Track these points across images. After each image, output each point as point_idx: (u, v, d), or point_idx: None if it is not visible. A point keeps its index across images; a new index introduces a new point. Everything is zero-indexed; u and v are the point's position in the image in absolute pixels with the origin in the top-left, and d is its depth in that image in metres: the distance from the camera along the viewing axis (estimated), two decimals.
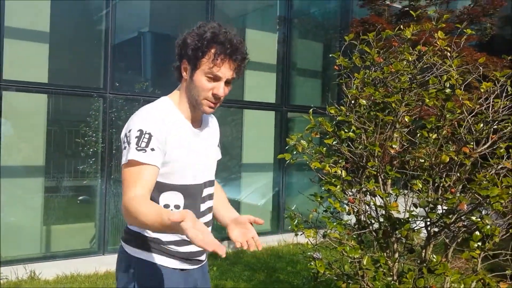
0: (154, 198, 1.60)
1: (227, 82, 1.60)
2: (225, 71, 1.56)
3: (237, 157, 6.61)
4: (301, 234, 3.12)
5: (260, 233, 6.24)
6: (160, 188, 1.60)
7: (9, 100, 4.60)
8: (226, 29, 1.58)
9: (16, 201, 4.82)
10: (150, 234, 1.64)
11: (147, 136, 1.49)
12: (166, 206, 1.64)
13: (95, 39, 5.37)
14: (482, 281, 2.90)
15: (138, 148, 1.48)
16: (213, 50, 1.53)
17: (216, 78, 1.57)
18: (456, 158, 2.72)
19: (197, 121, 1.72)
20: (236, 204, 6.55)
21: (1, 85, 4.52)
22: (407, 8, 8.89)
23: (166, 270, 1.66)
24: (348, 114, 2.84)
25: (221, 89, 1.58)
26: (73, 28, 5.46)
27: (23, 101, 4.81)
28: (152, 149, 1.49)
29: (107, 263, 4.91)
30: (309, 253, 3.26)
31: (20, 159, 4.92)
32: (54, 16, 5.04)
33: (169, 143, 1.57)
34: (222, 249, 1.22)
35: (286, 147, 3.15)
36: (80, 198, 5.57)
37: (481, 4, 9.32)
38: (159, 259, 1.65)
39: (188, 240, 1.44)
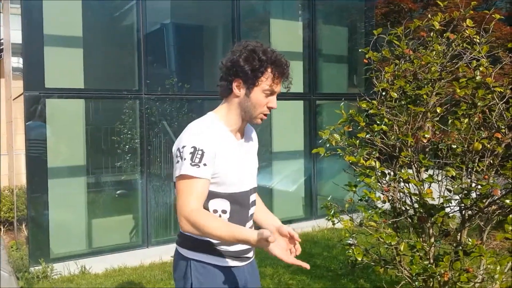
0: (204, 204, 1.75)
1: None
2: (279, 87, 1.79)
3: (267, 145, 6.75)
4: (338, 222, 3.25)
5: (294, 220, 6.43)
6: (209, 196, 1.77)
7: (51, 106, 4.84)
8: (269, 47, 1.77)
9: (63, 200, 5.09)
10: (200, 237, 1.76)
11: (200, 152, 1.67)
12: (214, 211, 1.81)
13: (127, 40, 5.55)
14: None
15: (193, 164, 1.65)
16: (269, 70, 1.73)
17: (271, 94, 1.77)
18: (488, 145, 2.78)
19: (241, 133, 1.89)
20: (268, 191, 6.70)
21: (45, 93, 4.75)
22: None
23: (219, 268, 1.82)
24: (379, 107, 2.92)
25: (275, 102, 1.80)
26: (105, 30, 5.66)
27: (64, 106, 5.06)
28: (205, 164, 1.67)
29: (151, 255, 5.18)
30: (346, 241, 3.39)
31: (64, 160, 5.18)
32: (86, 19, 5.22)
33: (218, 156, 1.73)
34: (306, 265, 1.52)
35: (319, 141, 3.27)
36: (118, 192, 5.84)
37: None
38: (212, 259, 1.81)
39: None
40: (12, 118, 6.15)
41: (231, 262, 1.85)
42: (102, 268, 4.87)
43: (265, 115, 1.80)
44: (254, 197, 1.94)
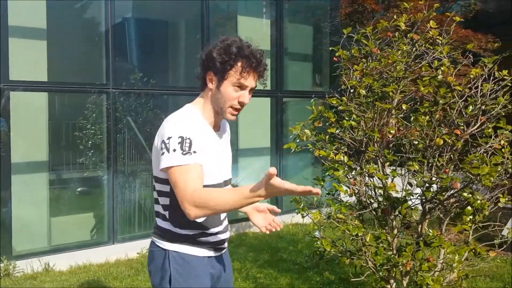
0: None
1: (250, 90, 1.80)
2: (250, 81, 1.76)
3: (234, 142, 6.79)
4: (306, 216, 3.35)
5: None
6: None
7: (15, 99, 4.70)
8: (248, 43, 1.77)
9: (25, 196, 4.95)
10: (178, 231, 1.81)
11: (188, 141, 1.66)
12: None
13: (93, 33, 5.45)
14: (473, 250, 3.17)
15: (184, 153, 1.64)
16: (239, 64, 1.72)
17: (242, 88, 1.76)
18: (449, 140, 2.95)
19: (217, 126, 1.91)
20: (234, 187, 6.75)
21: (9, 86, 4.61)
22: None
23: (197, 258, 1.84)
24: (348, 103, 3.03)
25: (247, 97, 1.78)
26: (70, 23, 5.53)
27: (28, 100, 4.92)
28: (195, 152, 1.67)
29: (117, 252, 5.11)
30: (314, 234, 3.50)
31: (26, 155, 5.03)
32: (50, 12, 5.09)
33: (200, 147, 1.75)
34: (317, 190, 1.43)
35: (290, 137, 3.35)
36: (79, 189, 5.73)
37: None
38: (191, 250, 1.83)
39: (214, 232, 1.83)
40: None
41: (209, 253, 1.89)
42: (67, 265, 4.77)
43: (235, 109, 1.80)
44: (229, 187, 1.98)
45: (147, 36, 6.34)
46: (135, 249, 5.18)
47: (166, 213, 1.83)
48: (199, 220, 1.79)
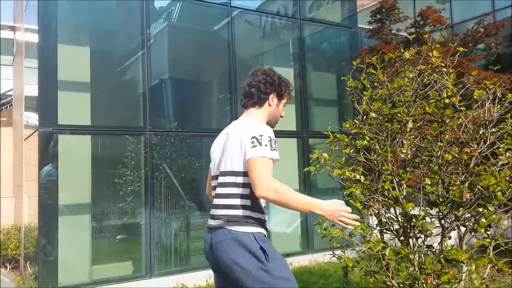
0: None
1: None
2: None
3: None
4: (328, 238, 3.54)
5: (291, 254, 6.65)
6: None
7: (63, 142, 5.23)
8: None
9: (70, 234, 5.34)
10: (256, 215, 2.23)
11: (274, 141, 2.16)
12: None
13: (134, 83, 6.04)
14: (496, 267, 3.27)
15: (272, 149, 2.13)
16: (289, 89, 2.48)
17: (283, 105, 2.48)
18: (457, 155, 3.16)
19: None
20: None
21: (57, 129, 5.16)
22: (413, 35, 9.49)
23: (265, 237, 2.25)
24: (361, 126, 3.32)
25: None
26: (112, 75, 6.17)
27: (74, 142, 5.45)
28: (276, 150, 2.16)
29: (153, 285, 5.36)
30: (338, 253, 3.67)
31: (72, 197, 5.48)
32: (93, 65, 5.73)
33: None
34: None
35: (310, 161, 3.64)
36: (119, 237, 6.08)
37: (483, 26, 9.86)
38: (262, 231, 2.24)
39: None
40: (22, 160, 6.49)
41: (265, 232, 2.29)
42: None
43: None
44: None
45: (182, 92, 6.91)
46: (169, 283, 5.43)
47: (248, 201, 2.20)
48: (263, 203, 2.27)
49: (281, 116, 2.47)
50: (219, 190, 2.26)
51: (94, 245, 5.57)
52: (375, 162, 3.42)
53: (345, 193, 3.48)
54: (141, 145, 5.81)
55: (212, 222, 2.27)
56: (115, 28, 6.18)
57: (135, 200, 5.87)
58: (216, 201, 2.29)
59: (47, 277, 4.90)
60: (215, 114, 7.22)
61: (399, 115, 3.24)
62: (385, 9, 10.07)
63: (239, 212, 2.19)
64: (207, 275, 5.83)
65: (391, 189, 3.36)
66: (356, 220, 2.16)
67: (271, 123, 2.41)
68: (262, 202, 2.28)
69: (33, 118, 8.23)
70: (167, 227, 5.98)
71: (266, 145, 2.11)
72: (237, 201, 2.20)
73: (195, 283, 5.68)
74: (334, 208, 2.11)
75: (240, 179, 2.20)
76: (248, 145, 2.13)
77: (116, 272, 5.56)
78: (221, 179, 2.25)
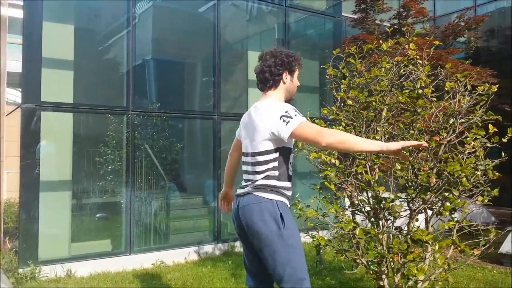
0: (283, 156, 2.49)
1: None
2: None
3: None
4: (304, 219, 3.72)
5: None
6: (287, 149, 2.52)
7: (45, 119, 5.26)
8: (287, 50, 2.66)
9: (51, 208, 5.40)
10: (283, 184, 2.48)
11: (298, 111, 2.41)
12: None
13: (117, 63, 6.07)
14: (459, 248, 3.49)
15: (301, 116, 2.39)
16: (298, 61, 2.62)
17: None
18: (428, 142, 3.35)
19: None
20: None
21: (40, 106, 5.18)
22: (396, 26, 9.66)
23: (287, 205, 2.51)
24: (338, 113, 3.48)
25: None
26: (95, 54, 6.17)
27: (56, 119, 5.48)
28: (303, 116, 2.41)
29: (133, 262, 5.49)
30: (311, 232, 3.85)
31: (53, 173, 5.53)
32: (77, 43, 5.73)
33: None
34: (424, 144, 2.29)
35: None
36: (98, 215, 6.17)
37: (464, 20, 10.10)
38: (281, 198, 2.47)
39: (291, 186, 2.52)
40: (2, 136, 6.49)
41: (288, 202, 2.53)
42: (87, 272, 5.16)
43: None
44: None
45: (165, 72, 6.95)
46: (149, 260, 5.56)
47: (276, 172, 2.44)
48: (290, 173, 2.51)
49: (297, 86, 2.67)
50: (248, 168, 2.53)
51: (74, 221, 5.64)
52: None
53: (320, 175, 3.66)
54: (123, 125, 5.88)
55: (240, 190, 2.55)
56: (100, 6, 6.17)
57: (115, 179, 5.96)
58: (245, 176, 2.58)
59: (27, 251, 4.98)
60: (198, 96, 7.30)
61: (374, 103, 3.40)
62: None
63: (265, 181, 2.44)
64: (186, 253, 5.99)
65: (364, 173, 3.54)
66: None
67: (291, 95, 2.64)
68: (290, 172, 2.52)
69: (12, 94, 8.19)
70: (147, 206, 6.09)
71: (296, 115, 2.35)
72: (264, 174, 2.45)
73: (174, 260, 5.83)
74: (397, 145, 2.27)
75: (266, 157, 2.44)
76: (282, 125, 2.35)
77: (96, 248, 5.67)
78: (249, 159, 2.52)
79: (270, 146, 2.43)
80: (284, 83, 2.60)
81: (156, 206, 6.27)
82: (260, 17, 7.75)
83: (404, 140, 3.56)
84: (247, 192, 2.48)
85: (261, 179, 2.45)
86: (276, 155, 2.44)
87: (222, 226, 6.53)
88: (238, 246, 6.49)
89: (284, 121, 2.35)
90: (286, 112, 2.38)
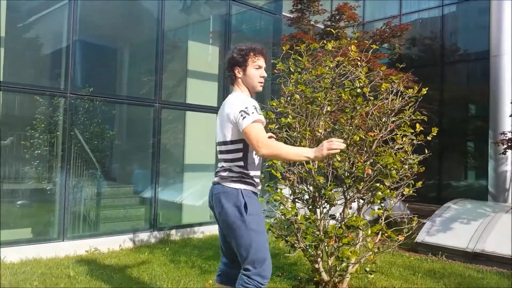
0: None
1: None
2: (262, 62, 2.71)
3: (180, 158, 7.30)
4: None
5: (204, 223, 6.96)
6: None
7: None
8: (249, 43, 2.74)
9: None
10: (249, 172, 2.62)
11: (258, 108, 2.54)
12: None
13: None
14: (386, 234, 3.89)
15: (259, 113, 2.50)
16: (251, 53, 2.67)
17: (259, 67, 2.69)
18: (363, 138, 3.69)
19: None
20: (178, 205, 7.22)
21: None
22: (328, 28, 10.18)
23: (254, 194, 2.67)
24: (286, 106, 3.71)
25: (264, 72, 2.72)
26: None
27: None
28: (260, 114, 2.54)
29: (65, 248, 5.37)
30: None
31: None
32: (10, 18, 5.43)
33: None
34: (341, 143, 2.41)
35: None
36: (19, 202, 5.93)
37: (390, 27, 10.86)
38: (246, 187, 2.62)
39: (259, 175, 2.69)
40: None
41: (255, 190, 2.69)
42: (18, 258, 4.97)
43: (261, 82, 2.71)
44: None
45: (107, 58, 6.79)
46: (83, 247, 5.47)
47: (241, 163, 2.60)
48: (256, 162, 2.65)
49: (262, 77, 2.72)
50: (220, 156, 2.68)
51: (2, 208, 5.39)
52: (295, 138, 3.85)
53: (266, 164, 3.88)
54: (60, 108, 5.68)
55: (214, 179, 2.70)
56: None
57: (49, 164, 5.76)
58: (219, 164, 2.73)
59: None
60: (139, 83, 7.21)
61: (319, 99, 3.68)
62: (306, 0, 10.65)
63: (231, 172, 2.62)
64: (121, 240, 5.95)
65: (305, 163, 3.81)
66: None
67: (253, 88, 2.71)
68: (256, 161, 2.67)
69: None
70: (81, 193, 5.95)
71: (253, 113, 2.48)
72: (231, 163, 2.61)
73: (109, 247, 5.77)
74: (321, 146, 2.40)
75: (233, 146, 2.59)
76: (240, 118, 2.48)
77: (25, 235, 5.45)
78: (220, 148, 2.67)
79: (235, 136, 2.59)
80: (238, 77, 2.72)
81: (89, 193, 6.14)
82: (204, 7, 7.81)
83: (343, 135, 3.90)
84: (217, 182, 2.65)
85: (229, 167, 2.62)
86: (241, 145, 2.60)
87: (158, 214, 6.55)
88: (174, 234, 6.56)
89: (242, 115, 2.50)
90: (245, 108, 2.52)
